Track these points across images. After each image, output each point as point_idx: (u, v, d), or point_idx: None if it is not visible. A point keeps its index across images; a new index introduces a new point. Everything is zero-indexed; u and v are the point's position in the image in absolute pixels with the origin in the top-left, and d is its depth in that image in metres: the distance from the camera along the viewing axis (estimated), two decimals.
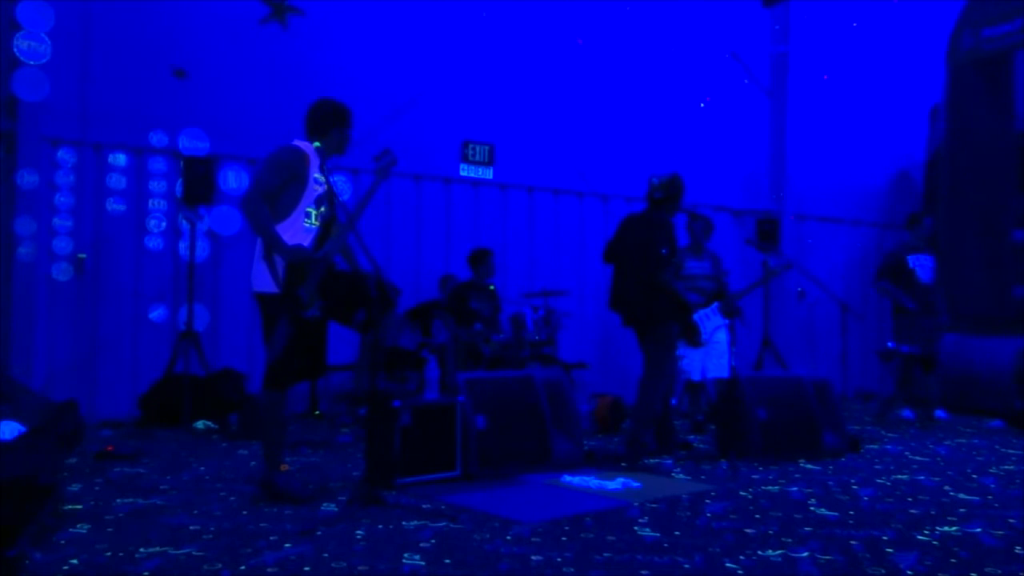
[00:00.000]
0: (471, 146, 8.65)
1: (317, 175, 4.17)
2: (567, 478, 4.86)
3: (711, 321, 6.74)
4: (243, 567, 3.13)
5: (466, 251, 7.95)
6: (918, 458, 5.84)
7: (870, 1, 10.66)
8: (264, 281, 4.12)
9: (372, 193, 4.30)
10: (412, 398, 4.92)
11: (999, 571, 3.19)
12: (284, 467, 4.27)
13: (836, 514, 4.10)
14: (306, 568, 3.12)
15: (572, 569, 3.14)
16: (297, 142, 4.22)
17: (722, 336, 6.70)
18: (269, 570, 3.10)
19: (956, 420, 8.04)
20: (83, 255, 6.96)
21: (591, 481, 4.79)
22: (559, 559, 3.26)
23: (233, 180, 7.49)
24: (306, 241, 4.14)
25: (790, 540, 3.59)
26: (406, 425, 4.57)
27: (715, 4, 9.94)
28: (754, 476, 5.09)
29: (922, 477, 5.12)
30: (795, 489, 4.71)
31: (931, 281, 7.57)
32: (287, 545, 3.42)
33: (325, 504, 4.14)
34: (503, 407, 5.04)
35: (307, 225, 4.17)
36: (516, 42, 8.80)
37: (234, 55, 7.51)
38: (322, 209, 4.22)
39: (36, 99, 6.61)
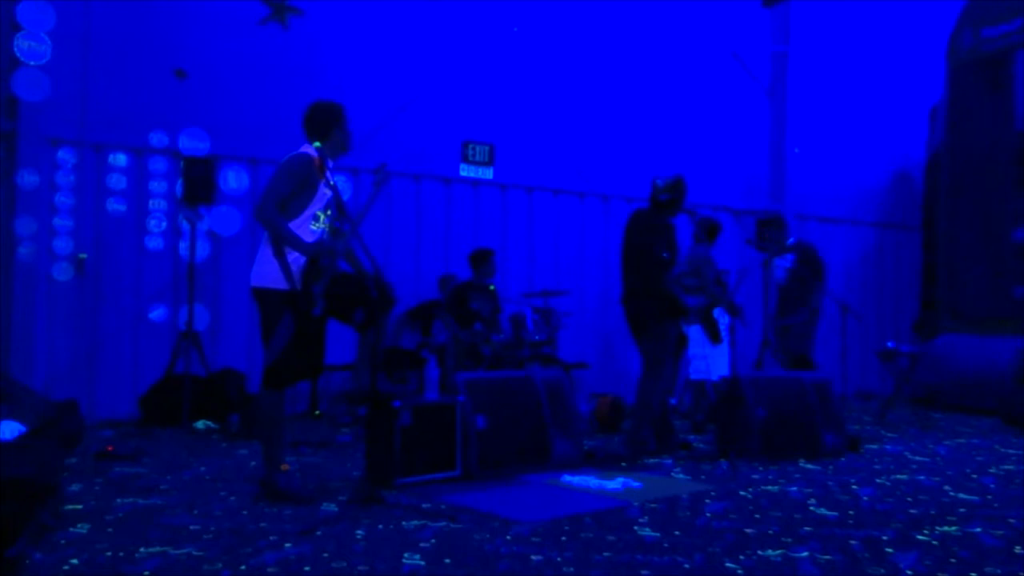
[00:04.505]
0: (471, 146, 8.64)
1: (328, 179, 4.22)
2: (567, 478, 4.86)
3: (722, 320, 6.77)
4: (243, 567, 3.13)
5: (466, 251, 7.95)
6: (918, 458, 5.84)
7: (870, 1, 10.65)
8: (267, 277, 4.14)
9: (370, 204, 4.57)
10: (412, 398, 4.92)
11: (999, 571, 3.19)
12: (284, 467, 4.27)
13: (836, 514, 4.11)
14: (306, 568, 3.12)
15: (572, 569, 3.15)
16: (305, 148, 4.25)
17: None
18: (269, 570, 3.11)
19: (956, 420, 8.04)
20: (83, 255, 6.95)
21: (591, 481, 4.80)
22: (559, 559, 3.26)
23: (233, 180, 7.49)
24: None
25: (790, 540, 3.59)
26: (406, 425, 4.57)
27: (715, 4, 9.94)
28: (754, 476, 5.09)
29: (922, 477, 5.13)
30: (795, 489, 4.71)
31: (783, 282, 7.47)
32: (287, 545, 3.42)
33: (325, 504, 4.14)
34: (503, 407, 5.04)
35: (314, 228, 4.21)
36: (516, 42, 8.80)
37: (234, 55, 7.50)
38: (329, 212, 4.28)
39: (36, 99, 6.61)
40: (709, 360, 7.13)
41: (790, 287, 7.30)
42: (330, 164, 4.32)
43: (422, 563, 3.19)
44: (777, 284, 7.47)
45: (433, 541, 3.50)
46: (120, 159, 7.18)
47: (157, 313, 7.23)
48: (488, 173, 8.74)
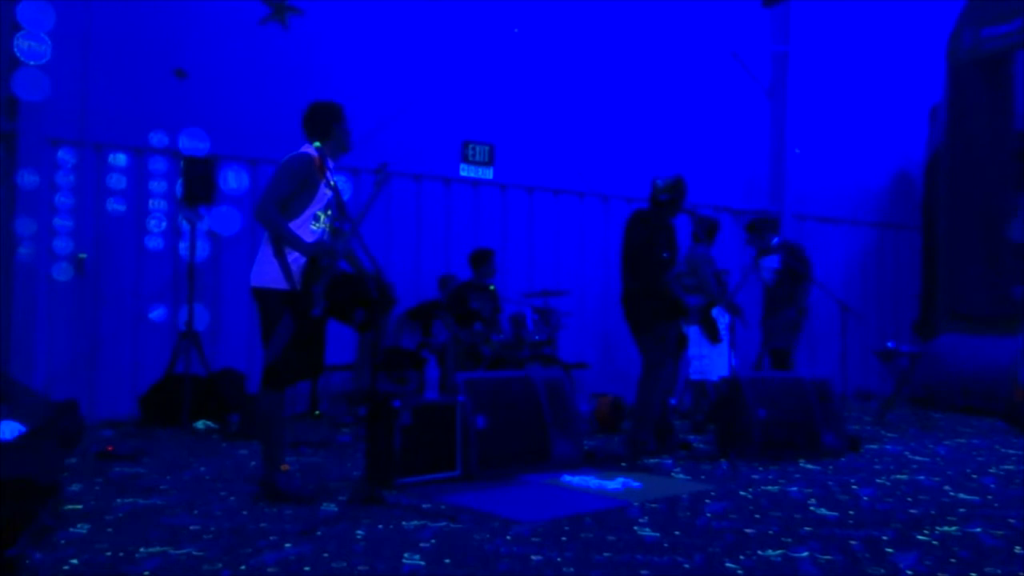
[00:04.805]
0: (471, 146, 8.65)
1: (329, 179, 4.22)
2: (567, 478, 4.86)
3: (722, 319, 6.76)
4: (243, 567, 3.13)
5: (466, 251, 7.96)
6: (918, 458, 5.84)
7: (870, 1, 10.66)
8: (267, 277, 4.14)
9: (371, 203, 4.55)
10: (412, 398, 4.92)
11: (999, 571, 3.19)
12: (284, 467, 4.27)
13: (836, 514, 4.10)
14: (306, 568, 3.12)
15: (572, 569, 3.14)
16: (306, 148, 4.25)
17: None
18: (269, 570, 3.11)
19: (956, 420, 8.04)
20: (83, 255, 6.95)
21: (591, 481, 4.79)
22: (559, 559, 3.26)
23: (233, 180, 7.49)
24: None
25: (790, 540, 3.59)
26: (406, 425, 4.57)
27: (715, 4, 9.94)
28: (754, 476, 5.09)
29: (922, 477, 5.12)
30: (795, 489, 4.70)
31: (772, 282, 7.43)
32: (287, 545, 3.42)
33: (325, 504, 4.14)
34: (503, 407, 5.04)
35: (314, 228, 4.21)
36: (516, 42, 8.80)
37: (234, 55, 7.51)
38: (329, 212, 4.27)
39: (36, 99, 6.61)
40: (709, 360, 7.12)
41: (777, 287, 7.30)
42: (331, 164, 4.32)
43: (422, 563, 3.19)
44: (765, 284, 7.46)
45: (433, 541, 3.50)
46: (120, 159, 7.18)
47: (157, 313, 7.23)
48: (488, 173, 8.74)
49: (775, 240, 7.45)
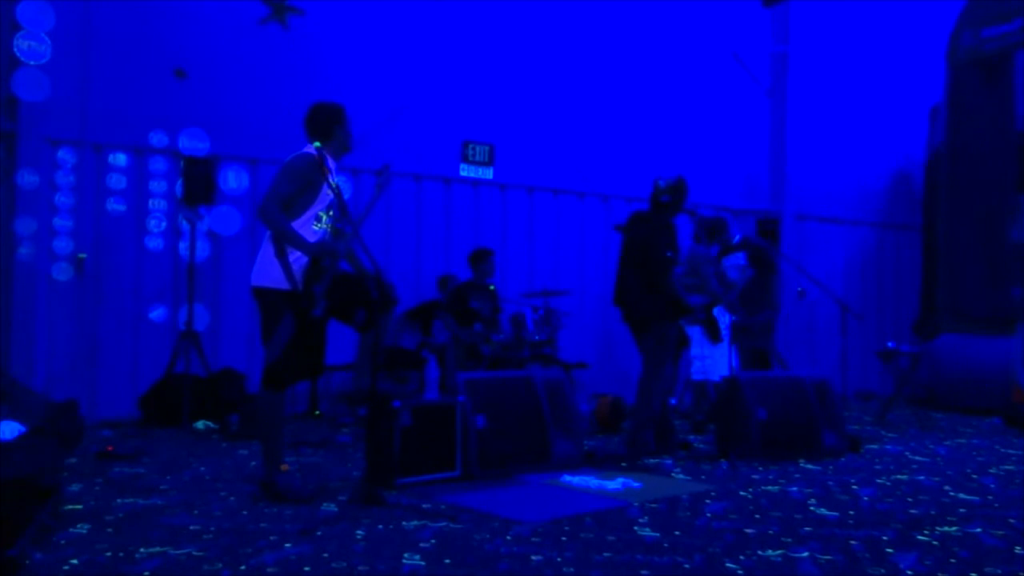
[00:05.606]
0: (471, 146, 8.65)
1: (330, 180, 4.22)
2: (567, 478, 4.86)
3: (723, 319, 6.76)
4: (243, 567, 3.13)
5: (466, 251, 7.96)
6: (918, 458, 5.84)
7: (870, 1, 10.66)
8: (268, 277, 4.14)
9: (372, 205, 4.52)
10: (412, 398, 4.92)
11: (999, 571, 3.19)
12: (284, 467, 4.27)
13: (836, 514, 4.11)
14: (306, 568, 3.12)
15: (572, 569, 3.15)
16: (308, 149, 4.25)
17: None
18: (269, 570, 3.11)
19: (956, 420, 8.04)
20: (83, 255, 6.95)
21: (591, 481, 4.80)
22: (559, 559, 3.26)
23: (233, 180, 7.49)
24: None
25: (790, 540, 3.59)
26: (406, 425, 4.57)
27: (715, 4, 9.94)
28: (754, 476, 5.09)
29: (922, 477, 5.12)
30: (795, 489, 4.71)
31: (740, 281, 7.34)
32: (287, 545, 3.42)
33: (325, 504, 4.14)
34: (503, 407, 5.04)
35: (316, 228, 4.21)
36: (516, 42, 8.80)
37: (234, 55, 7.51)
38: (331, 213, 4.27)
39: (36, 99, 6.61)
40: (711, 360, 7.12)
41: (749, 287, 7.25)
42: (334, 165, 4.32)
43: (422, 563, 3.19)
44: (734, 285, 7.41)
45: (433, 541, 3.50)
46: (120, 159, 7.18)
47: (157, 313, 7.23)
48: (488, 173, 8.74)
49: (736, 238, 7.41)
